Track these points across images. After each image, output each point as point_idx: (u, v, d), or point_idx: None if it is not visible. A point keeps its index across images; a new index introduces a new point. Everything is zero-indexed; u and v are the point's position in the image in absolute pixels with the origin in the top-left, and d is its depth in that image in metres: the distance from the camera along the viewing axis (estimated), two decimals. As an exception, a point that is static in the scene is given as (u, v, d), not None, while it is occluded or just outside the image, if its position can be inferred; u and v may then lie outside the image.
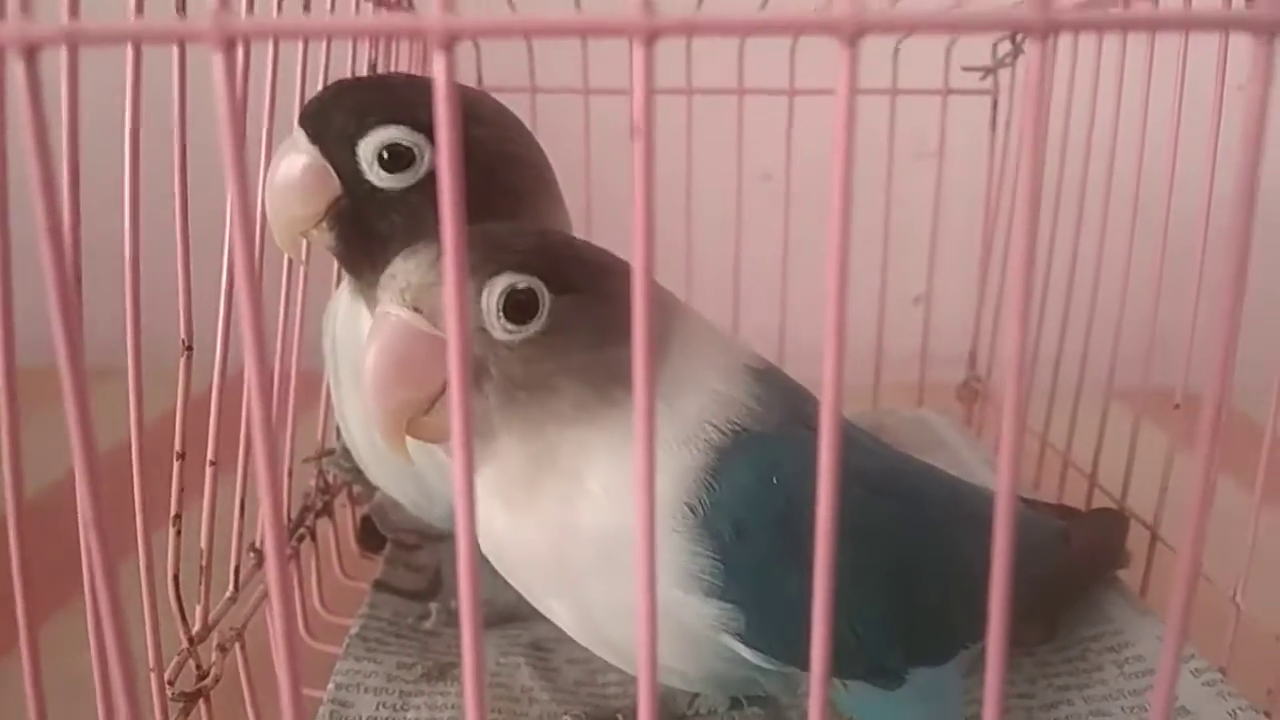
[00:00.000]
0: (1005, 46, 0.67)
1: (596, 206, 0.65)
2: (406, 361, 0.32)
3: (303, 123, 0.37)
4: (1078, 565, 0.46)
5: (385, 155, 0.36)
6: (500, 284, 0.32)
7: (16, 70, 0.18)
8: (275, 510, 0.20)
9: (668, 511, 0.33)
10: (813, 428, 0.23)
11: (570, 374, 0.33)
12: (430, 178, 0.36)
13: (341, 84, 0.39)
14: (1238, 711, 0.39)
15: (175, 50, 0.29)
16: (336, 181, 0.37)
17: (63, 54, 0.24)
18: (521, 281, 0.32)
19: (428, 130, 0.35)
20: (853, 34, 0.17)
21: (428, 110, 0.29)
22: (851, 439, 0.38)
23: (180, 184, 0.32)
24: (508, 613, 0.49)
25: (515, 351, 0.32)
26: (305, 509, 0.51)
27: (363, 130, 0.36)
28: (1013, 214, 0.51)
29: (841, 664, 0.34)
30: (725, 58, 0.67)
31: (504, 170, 0.39)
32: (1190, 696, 0.40)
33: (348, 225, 0.38)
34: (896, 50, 0.67)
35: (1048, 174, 0.60)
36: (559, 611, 0.37)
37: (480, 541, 0.36)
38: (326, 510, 0.53)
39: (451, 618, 0.48)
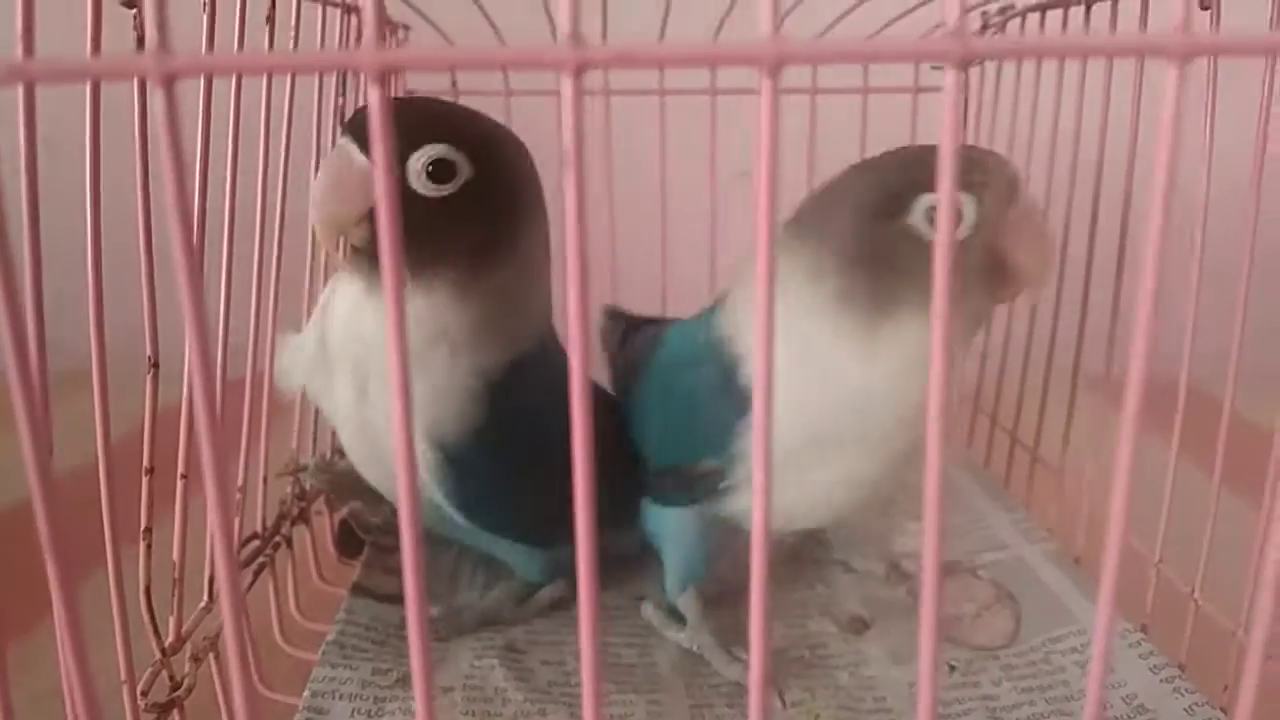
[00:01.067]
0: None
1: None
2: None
3: (353, 134, 0.42)
4: None
5: (431, 168, 0.41)
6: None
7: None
8: (225, 533, 0.20)
9: None
10: None
11: None
12: (464, 187, 0.42)
13: (396, 110, 0.44)
14: (1194, 708, 0.40)
15: (134, 84, 0.30)
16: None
17: (18, 90, 0.25)
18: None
19: (467, 148, 0.42)
20: (773, 65, 0.17)
21: (467, 130, 0.42)
22: None
23: (143, 208, 0.32)
24: (489, 616, 0.50)
25: None
26: (281, 516, 0.52)
27: (413, 146, 0.41)
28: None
29: None
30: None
31: (527, 197, 0.45)
32: (1148, 693, 0.41)
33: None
34: (886, 39, 0.68)
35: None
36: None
37: None
38: (303, 517, 0.53)
39: (435, 625, 0.49)
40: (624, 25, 0.61)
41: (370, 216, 0.42)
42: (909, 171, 0.40)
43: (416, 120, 0.42)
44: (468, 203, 0.42)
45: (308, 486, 0.54)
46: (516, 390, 0.44)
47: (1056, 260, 0.39)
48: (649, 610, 0.51)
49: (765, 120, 0.18)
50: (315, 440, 0.56)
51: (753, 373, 0.40)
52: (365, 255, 0.43)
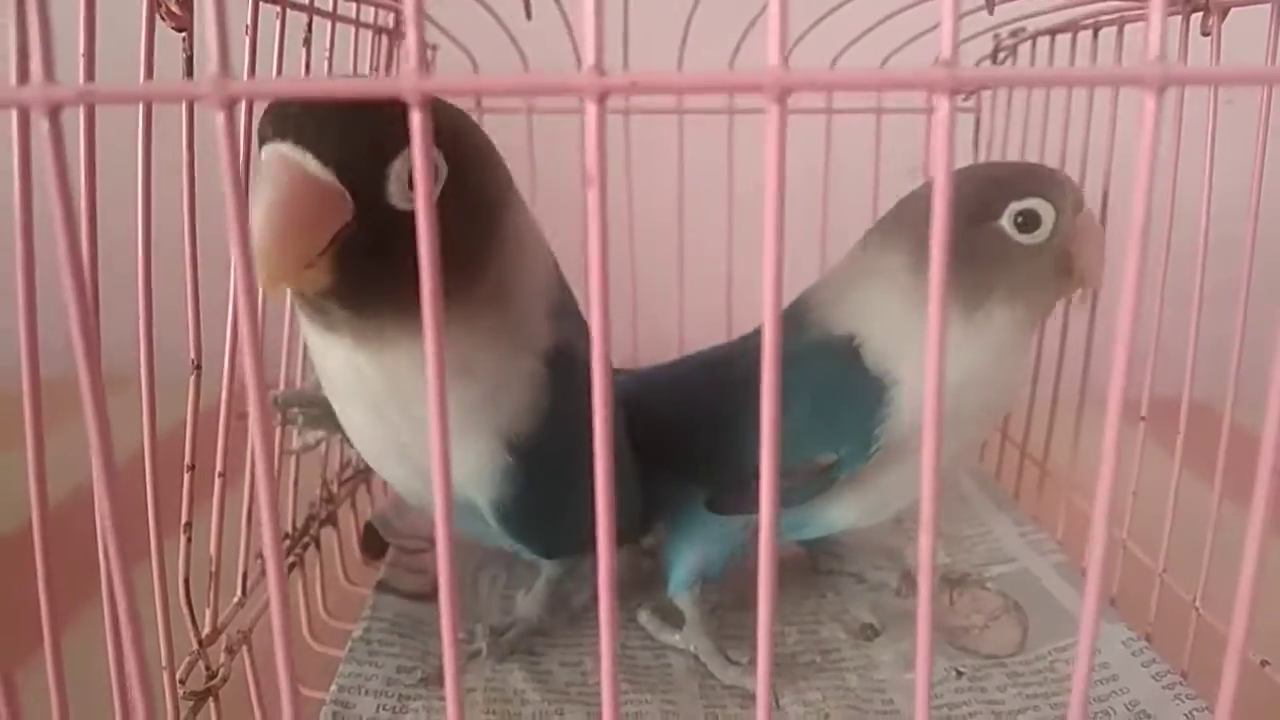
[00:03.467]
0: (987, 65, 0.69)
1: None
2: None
3: (306, 144, 0.32)
4: None
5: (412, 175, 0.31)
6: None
7: (41, 125, 0.21)
8: (273, 521, 0.22)
9: None
10: None
11: None
12: (442, 195, 0.34)
13: (348, 105, 0.32)
14: (1195, 714, 0.41)
15: (183, 104, 0.32)
16: (351, 205, 0.33)
17: (81, 111, 0.27)
18: None
19: (440, 142, 0.30)
20: (779, 93, 0.19)
21: (444, 128, 0.28)
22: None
23: (189, 224, 0.34)
24: (531, 630, 0.51)
25: None
26: (310, 518, 0.53)
27: (398, 149, 0.33)
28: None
29: None
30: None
31: (501, 176, 0.40)
32: (1150, 700, 0.42)
33: (356, 255, 0.34)
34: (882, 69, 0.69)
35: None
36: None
37: None
38: (331, 519, 0.55)
39: (493, 645, 0.49)
40: (645, 40, 0.63)
41: (337, 246, 0.33)
42: (1001, 182, 0.45)
43: (386, 119, 0.28)
44: (451, 203, 0.32)
45: (298, 429, 0.50)
46: (571, 371, 0.41)
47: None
48: (644, 616, 0.52)
49: (771, 146, 0.20)
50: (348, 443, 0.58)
51: (882, 359, 0.46)
52: (332, 299, 0.35)
